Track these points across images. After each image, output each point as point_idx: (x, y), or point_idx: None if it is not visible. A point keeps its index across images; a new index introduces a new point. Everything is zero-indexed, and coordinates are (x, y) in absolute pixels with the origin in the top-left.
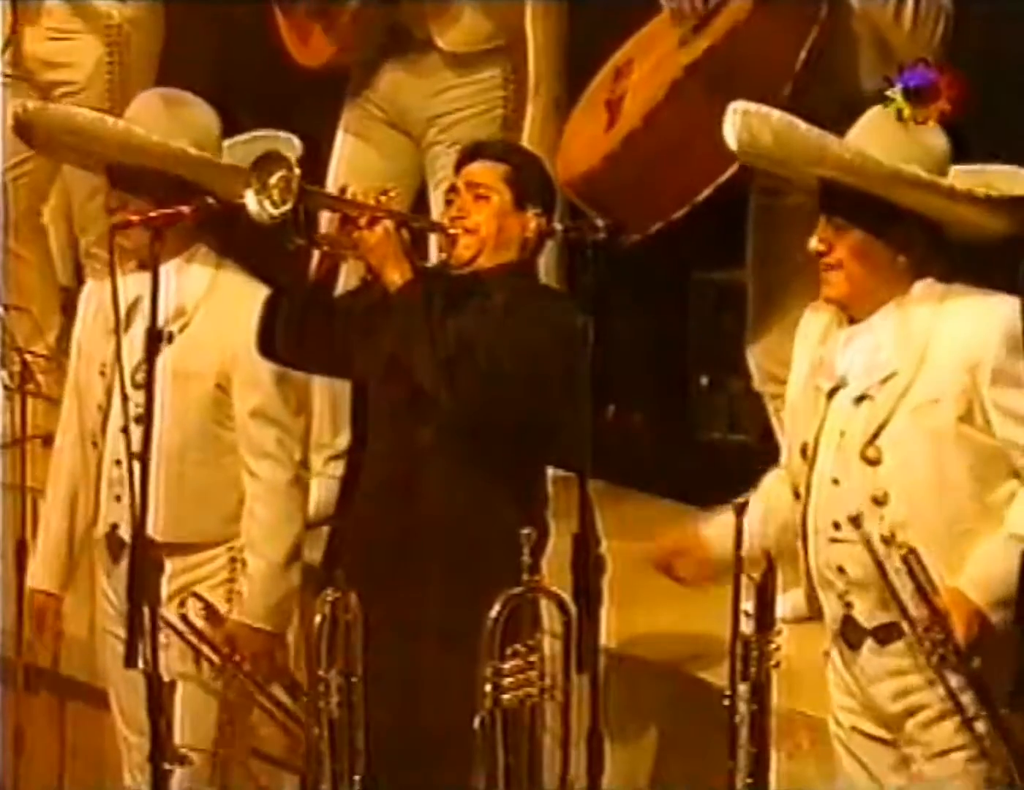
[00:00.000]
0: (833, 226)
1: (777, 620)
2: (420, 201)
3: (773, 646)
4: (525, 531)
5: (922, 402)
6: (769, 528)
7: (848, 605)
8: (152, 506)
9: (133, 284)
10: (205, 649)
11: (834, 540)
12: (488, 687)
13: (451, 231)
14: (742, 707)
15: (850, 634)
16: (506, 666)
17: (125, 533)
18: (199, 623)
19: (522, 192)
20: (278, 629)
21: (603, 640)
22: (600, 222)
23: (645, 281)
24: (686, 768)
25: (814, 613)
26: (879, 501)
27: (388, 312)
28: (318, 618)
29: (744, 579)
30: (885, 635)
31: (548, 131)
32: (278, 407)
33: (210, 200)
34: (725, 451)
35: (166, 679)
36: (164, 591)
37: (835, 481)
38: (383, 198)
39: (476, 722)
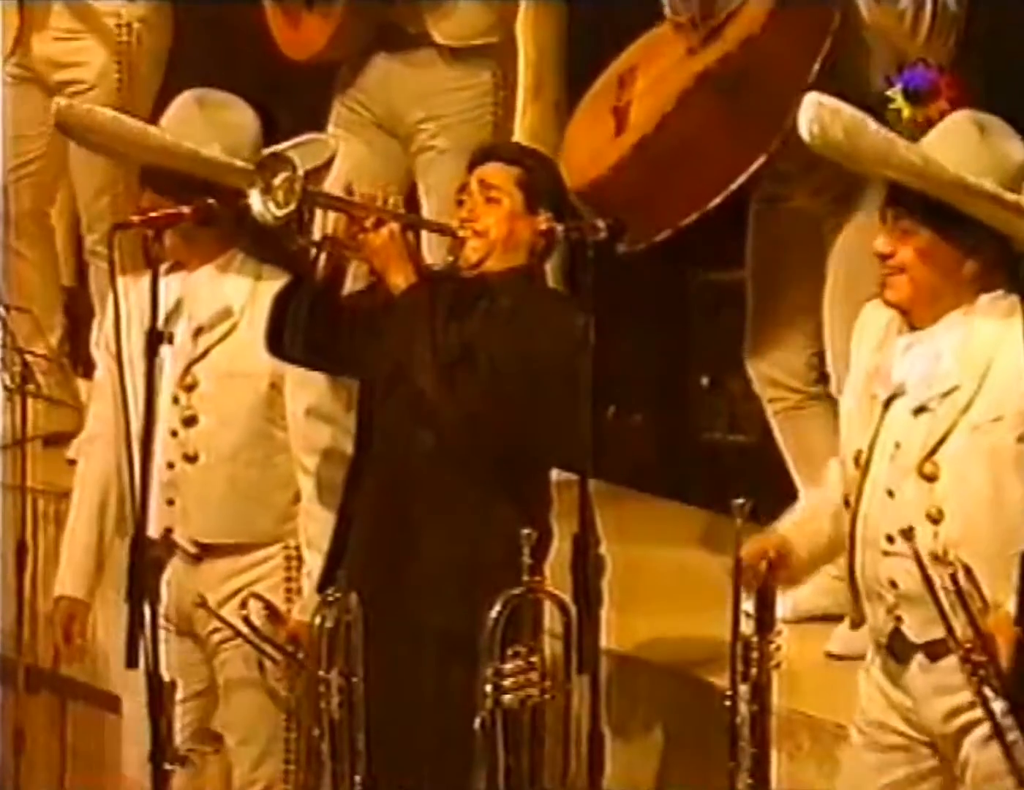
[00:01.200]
0: (900, 228)
1: (777, 621)
2: (410, 204)
3: (774, 647)
4: (525, 532)
5: (983, 419)
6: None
7: (898, 619)
8: (205, 508)
9: (173, 286)
10: (269, 649)
11: (887, 553)
12: (489, 688)
13: (460, 234)
14: (743, 708)
15: (898, 648)
16: (507, 667)
17: (179, 537)
18: (261, 624)
19: (534, 196)
20: None
21: (603, 641)
22: (600, 222)
23: (645, 281)
24: (687, 768)
25: (857, 624)
26: (934, 518)
27: (392, 315)
28: (318, 619)
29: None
30: (935, 651)
31: (549, 134)
32: (331, 404)
33: (211, 201)
34: (725, 451)
35: (169, 679)
36: (221, 593)
37: (889, 493)
38: (391, 200)
39: (477, 723)
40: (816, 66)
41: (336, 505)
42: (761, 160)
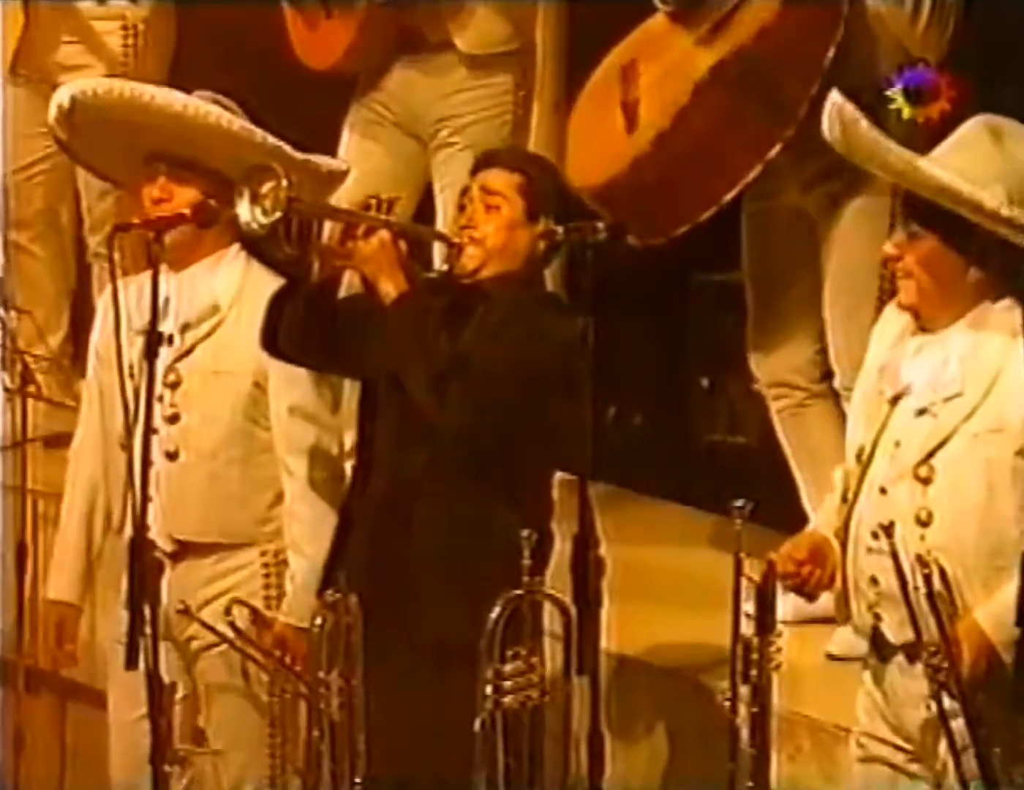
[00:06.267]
0: (907, 233)
1: (778, 622)
2: (426, 202)
3: (774, 648)
4: (525, 533)
5: (984, 429)
6: None
7: (877, 617)
8: (182, 505)
9: (162, 285)
10: (256, 655)
11: (871, 550)
12: (489, 689)
13: (455, 241)
14: (743, 709)
15: (880, 647)
16: (507, 668)
17: (156, 534)
18: (245, 629)
19: (535, 204)
20: None
21: (603, 642)
22: (600, 224)
23: (645, 281)
24: (687, 770)
25: (842, 620)
26: (923, 521)
27: (383, 324)
28: (318, 620)
29: (744, 580)
30: (913, 653)
31: (551, 136)
32: (316, 404)
33: (211, 201)
34: (725, 452)
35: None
36: (199, 599)
37: (883, 490)
38: (382, 202)
39: (477, 724)
40: (829, 55)
41: (320, 506)
42: (776, 149)
